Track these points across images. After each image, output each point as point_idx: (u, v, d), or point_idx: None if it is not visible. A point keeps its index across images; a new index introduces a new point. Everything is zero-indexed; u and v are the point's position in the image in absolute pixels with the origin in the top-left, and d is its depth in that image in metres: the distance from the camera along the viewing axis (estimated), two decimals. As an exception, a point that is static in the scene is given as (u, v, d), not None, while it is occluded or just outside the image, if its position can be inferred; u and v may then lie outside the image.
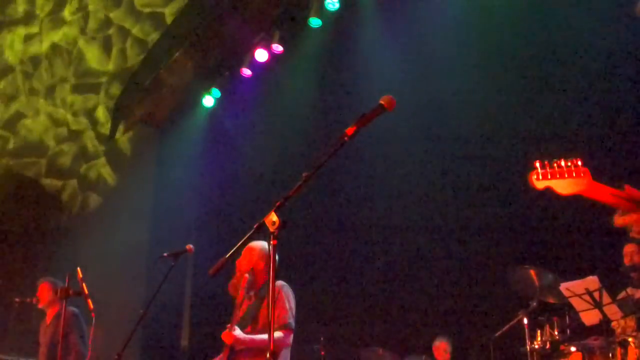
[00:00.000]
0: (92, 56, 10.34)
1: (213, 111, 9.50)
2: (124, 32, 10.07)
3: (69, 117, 10.51)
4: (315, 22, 7.82)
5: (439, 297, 7.37)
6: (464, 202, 7.40)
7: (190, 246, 4.77)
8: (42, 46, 10.25)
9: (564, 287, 4.98)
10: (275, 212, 2.54)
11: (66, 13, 10.08)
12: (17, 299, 6.38)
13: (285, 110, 8.82)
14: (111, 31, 10.12)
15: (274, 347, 3.81)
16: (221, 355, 4.09)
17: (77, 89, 10.51)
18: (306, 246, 8.12)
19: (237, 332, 3.87)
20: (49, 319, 6.06)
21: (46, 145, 10.58)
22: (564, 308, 5.26)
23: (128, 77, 10.12)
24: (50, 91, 10.49)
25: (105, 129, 10.49)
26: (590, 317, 4.96)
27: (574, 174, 2.11)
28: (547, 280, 5.29)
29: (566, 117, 6.54)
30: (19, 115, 10.40)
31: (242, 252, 4.24)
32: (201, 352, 8.65)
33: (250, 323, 3.99)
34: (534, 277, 5.33)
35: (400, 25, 7.86)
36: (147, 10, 10.06)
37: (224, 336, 3.87)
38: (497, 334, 5.73)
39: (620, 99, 6.29)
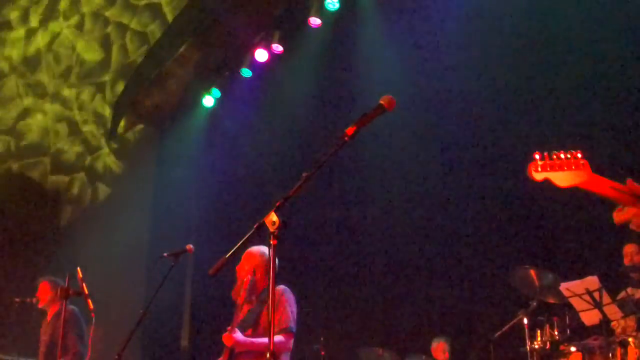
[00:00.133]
0: (92, 57, 10.34)
1: (213, 111, 9.50)
2: (122, 28, 10.07)
3: (67, 112, 10.52)
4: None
5: (439, 297, 7.37)
6: (464, 203, 7.40)
7: (190, 246, 4.76)
8: (39, 49, 10.25)
9: (564, 287, 4.98)
10: (275, 212, 2.54)
11: (61, 19, 10.08)
12: (17, 299, 6.37)
13: (285, 110, 8.82)
14: (109, 29, 10.12)
15: (276, 350, 3.84)
16: (221, 357, 4.10)
17: (77, 86, 10.51)
18: (306, 246, 8.11)
19: (238, 334, 3.87)
20: (49, 318, 6.06)
21: (48, 144, 10.59)
22: (564, 308, 5.26)
23: (131, 72, 10.13)
24: (48, 91, 10.49)
25: (106, 120, 10.51)
26: (590, 317, 4.96)
27: (574, 167, 2.10)
28: (547, 280, 5.29)
29: (567, 117, 6.54)
30: (18, 118, 10.40)
31: (242, 258, 4.25)
32: (201, 352, 8.66)
33: (251, 326, 3.99)
34: (534, 277, 5.33)
35: (400, 25, 7.87)
36: (142, 2, 10.05)
37: (225, 338, 3.86)
38: (497, 334, 5.73)
39: (620, 98, 6.29)
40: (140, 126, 10.77)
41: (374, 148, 7.67)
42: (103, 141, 10.62)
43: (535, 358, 5.17)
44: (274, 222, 2.52)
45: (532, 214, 6.80)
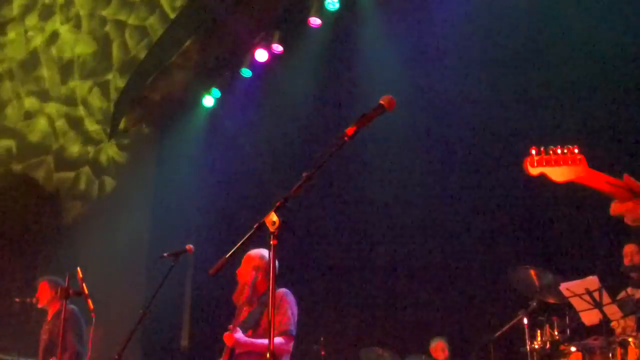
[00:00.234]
0: (92, 55, 10.33)
1: (213, 111, 9.50)
2: (121, 25, 10.06)
3: (66, 109, 10.52)
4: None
5: (439, 297, 7.37)
6: (464, 202, 7.39)
7: (190, 246, 4.76)
8: (37, 49, 10.24)
9: (564, 287, 4.98)
10: (275, 212, 2.54)
11: (57, 24, 10.08)
12: (17, 299, 6.38)
13: (285, 110, 8.82)
14: (107, 28, 10.11)
15: (276, 352, 3.84)
16: (222, 358, 4.10)
17: (75, 84, 10.51)
18: (306, 246, 8.12)
19: (239, 334, 3.86)
20: (49, 317, 6.06)
21: (49, 142, 10.60)
22: (564, 308, 5.26)
23: (132, 67, 10.12)
24: (46, 90, 10.49)
25: (106, 113, 10.52)
26: (590, 317, 4.96)
27: (570, 162, 2.11)
28: (547, 280, 5.29)
29: (567, 117, 6.54)
30: (17, 120, 10.40)
31: (242, 261, 4.26)
32: (201, 352, 8.66)
33: (252, 327, 3.99)
34: (534, 277, 5.33)
35: (400, 25, 7.87)
36: (138, -2, 10.04)
37: (225, 337, 3.86)
38: (497, 334, 5.73)
39: (618, 97, 6.29)
40: (140, 126, 10.78)
41: (374, 148, 7.67)
42: (104, 134, 10.63)
43: (535, 358, 5.17)
44: (274, 222, 2.52)
45: (532, 214, 6.80)
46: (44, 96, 10.50)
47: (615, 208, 2.17)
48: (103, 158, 10.80)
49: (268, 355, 2.46)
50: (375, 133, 7.04)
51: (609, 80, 6.29)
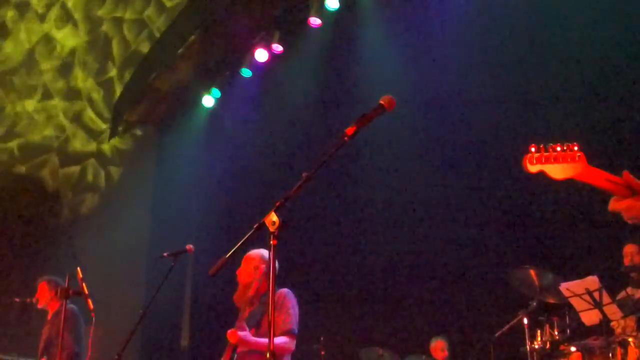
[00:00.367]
0: (92, 57, 10.34)
1: (213, 111, 9.50)
2: (118, 22, 10.06)
3: (65, 104, 10.52)
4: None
5: (439, 297, 7.37)
6: (464, 202, 7.39)
7: (190, 246, 4.77)
8: (32, 50, 10.24)
9: (564, 287, 4.98)
10: (275, 212, 2.54)
11: (55, 33, 10.09)
12: (17, 299, 6.38)
13: (285, 110, 8.82)
14: (105, 27, 10.11)
15: (279, 351, 3.86)
16: (223, 357, 4.11)
17: (74, 79, 10.52)
18: (306, 246, 8.11)
19: (244, 332, 3.85)
20: (49, 317, 6.07)
21: (50, 139, 10.60)
22: (564, 308, 5.26)
23: (133, 60, 10.13)
24: (44, 89, 10.49)
25: (105, 105, 10.54)
26: (590, 317, 4.95)
27: (569, 159, 2.11)
28: (547, 280, 5.29)
29: (568, 118, 6.53)
30: (14, 123, 10.41)
31: (242, 262, 4.26)
32: (201, 352, 8.66)
33: (254, 327, 3.99)
34: (534, 277, 5.33)
35: (400, 25, 7.87)
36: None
37: (229, 335, 3.85)
38: (497, 334, 5.73)
39: (620, 97, 6.29)
40: (140, 126, 10.78)
41: (374, 148, 7.67)
42: (105, 126, 10.65)
43: (535, 358, 5.17)
44: (274, 222, 2.52)
45: (532, 214, 6.79)
46: (42, 95, 10.50)
47: (613, 205, 2.18)
48: (106, 148, 10.83)
49: (268, 355, 2.47)
50: (375, 133, 7.03)
51: (608, 80, 6.29)
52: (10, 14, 9.81)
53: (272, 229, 2.52)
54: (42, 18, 9.89)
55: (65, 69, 10.34)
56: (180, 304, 9.57)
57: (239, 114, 9.34)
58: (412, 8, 7.69)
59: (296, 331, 4.04)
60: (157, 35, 9.99)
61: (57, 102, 10.49)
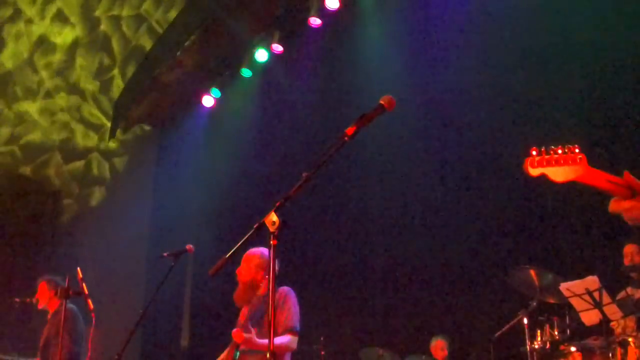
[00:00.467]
0: (94, 59, 10.34)
1: (213, 111, 9.51)
2: (116, 20, 10.06)
3: (64, 103, 10.52)
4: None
5: (439, 297, 7.36)
6: (464, 202, 7.39)
7: (190, 246, 4.77)
8: (29, 52, 10.23)
9: (564, 287, 4.98)
10: (275, 212, 2.54)
11: (56, 38, 10.09)
12: (17, 299, 6.38)
13: (285, 110, 8.82)
14: (103, 26, 10.11)
15: (282, 350, 3.86)
16: (224, 353, 4.11)
17: (73, 77, 10.52)
18: (306, 246, 8.12)
19: (250, 335, 3.82)
20: (49, 316, 6.07)
21: (51, 138, 10.60)
22: (564, 308, 5.26)
23: (134, 55, 10.13)
24: (42, 88, 10.49)
25: (104, 105, 10.54)
26: (590, 317, 4.95)
27: (570, 162, 2.11)
28: (547, 280, 5.29)
29: (568, 117, 6.53)
30: (15, 125, 10.41)
31: (242, 260, 4.26)
32: (201, 352, 8.66)
33: (257, 325, 4.00)
34: (534, 277, 5.32)
35: (400, 25, 7.87)
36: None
37: (235, 334, 3.84)
38: (497, 334, 5.73)
39: (621, 97, 6.28)
40: (140, 125, 10.79)
41: (374, 148, 7.66)
42: (105, 119, 10.66)
43: (535, 358, 5.17)
44: (274, 222, 2.52)
45: (531, 213, 6.79)
46: (42, 96, 10.49)
47: (613, 206, 2.18)
48: (109, 144, 10.85)
49: (268, 355, 2.47)
50: (375, 133, 7.03)
51: (609, 80, 6.29)
52: (8, 14, 9.80)
53: (272, 229, 2.52)
54: (40, 18, 9.89)
55: (65, 68, 10.34)
56: (180, 304, 9.58)
57: (239, 114, 9.34)
58: (412, 8, 7.69)
59: (298, 329, 4.06)
60: (157, 27, 9.98)
61: (57, 102, 10.49)
